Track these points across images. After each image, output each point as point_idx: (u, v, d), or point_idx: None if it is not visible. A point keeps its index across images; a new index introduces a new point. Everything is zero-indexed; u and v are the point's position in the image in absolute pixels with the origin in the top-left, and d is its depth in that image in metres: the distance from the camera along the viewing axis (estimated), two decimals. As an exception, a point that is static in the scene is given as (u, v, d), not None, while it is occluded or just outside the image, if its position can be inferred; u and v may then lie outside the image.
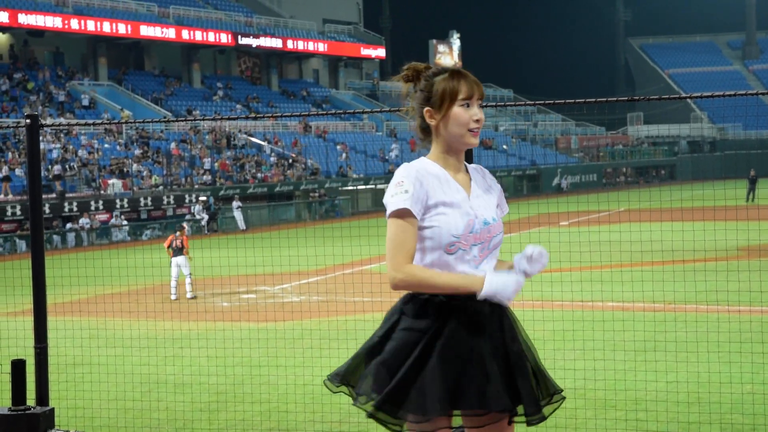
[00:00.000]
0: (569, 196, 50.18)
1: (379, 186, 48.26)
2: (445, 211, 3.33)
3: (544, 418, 3.37)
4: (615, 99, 5.90)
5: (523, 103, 6.16)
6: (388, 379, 3.30)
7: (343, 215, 42.47)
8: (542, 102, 5.91)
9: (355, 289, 15.51)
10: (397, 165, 50.28)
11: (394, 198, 3.32)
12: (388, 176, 49.06)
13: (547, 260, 3.41)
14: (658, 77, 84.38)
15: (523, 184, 57.78)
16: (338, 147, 50.67)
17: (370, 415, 3.39)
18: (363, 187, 47.35)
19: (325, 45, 63.14)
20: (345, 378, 3.53)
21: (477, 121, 3.46)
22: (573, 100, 6.13)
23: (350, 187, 46.42)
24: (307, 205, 42.35)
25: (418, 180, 3.33)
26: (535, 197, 51.13)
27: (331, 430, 7.05)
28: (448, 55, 75.64)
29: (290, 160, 45.57)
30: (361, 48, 66.40)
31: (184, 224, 17.94)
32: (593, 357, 8.89)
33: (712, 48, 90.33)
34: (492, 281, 3.28)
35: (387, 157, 51.81)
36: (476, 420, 3.36)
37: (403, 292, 3.41)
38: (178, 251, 16.51)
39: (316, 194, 43.49)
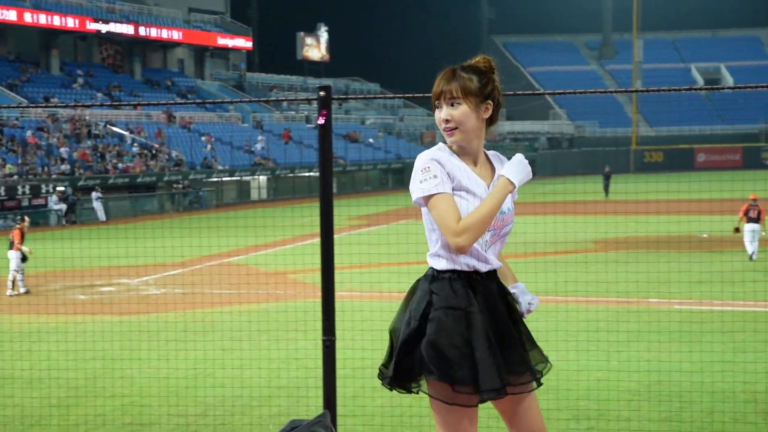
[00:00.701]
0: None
1: (244, 178, 47.81)
2: (466, 197, 3.55)
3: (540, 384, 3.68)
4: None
5: (389, 96, 6.21)
6: (441, 357, 3.47)
7: (207, 207, 41.89)
8: (408, 95, 5.96)
9: (218, 282, 15.34)
10: (263, 157, 50.09)
11: (423, 184, 3.55)
12: (253, 168, 48.67)
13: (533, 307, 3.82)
14: (520, 75, 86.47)
15: (388, 177, 58.27)
16: (203, 138, 49.93)
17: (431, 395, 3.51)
18: (228, 178, 46.82)
19: (190, 34, 62.08)
20: (400, 375, 3.60)
21: (445, 120, 3.60)
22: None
23: (215, 179, 45.82)
24: (170, 197, 41.58)
25: (440, 164, 3.54)
26: (400, 191, 51.66)
27: (193, 423, 6.95)
28: (315, 48, 75.51)
29: (153, 151, 44.63)
30: (228, 38, 65.58)
31: (26, 217, 17.01)
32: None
33: (570, 48, 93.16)
34: (510, 170, 3.59)
35: (253, 149, 51.37)
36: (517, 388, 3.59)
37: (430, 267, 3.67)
38: (11, 244, 15.61)
39: (180, 186, 42.74)
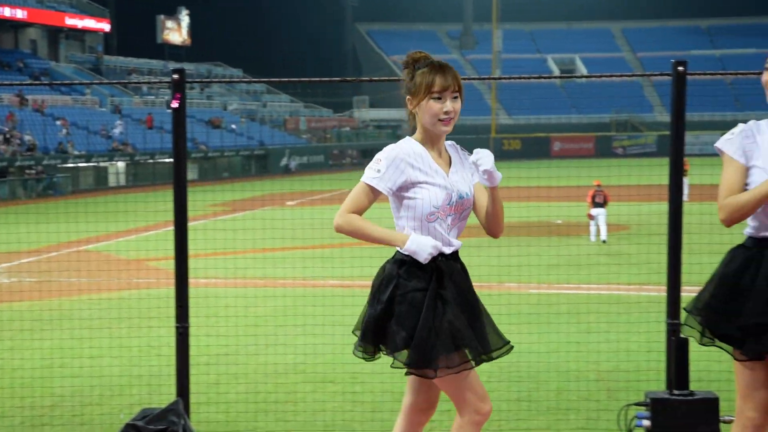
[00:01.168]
0: (297, 176, 50.82)
1: (101, 163, 46.50)
2: (427, 187, 3.90)
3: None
4: (340, 79, 6.02)
5: (250, 80, 6.16)
6: (409, 337, 3.84)
7: (62, 193, 40.54)
8: (270, 80, 5.92)
9: (74, 269, 14.88)
10: (121, 142, 48.77)
11: (368, 171, 3.93)
12: (111, 153, 47.37)
13: (487, 152, 3.95)
14: (383, 63, 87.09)
15: (251, 164, 57.77)
16: (58, 122, 48.25)
17: (406, 369, 3.94)
18: (84, 164, 45.42)
19: (41, 14, 59.83)
20: (368, 347, 4.06)
21: (446, 112, 3.96)
22: (299, 79, 6.18)
23: (71, 165, 44.37)
24: (22, 183, 40.05)
25: (395, 164, 3.89)
26: (263, 177, 51.31)
27: (46, 415, 6.73)
28: (176, 31, 74.01)
29: (4, 135, 42.87)
30: (82, 19, 63.53)
31: None
32: (314, 333, 9.06)
33: (433, 37, 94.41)
34: (414, 240, 3.87)
35: (110, 134, 49.98)
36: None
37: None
38: None
39: (33, 171, 41.22)
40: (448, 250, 3.95)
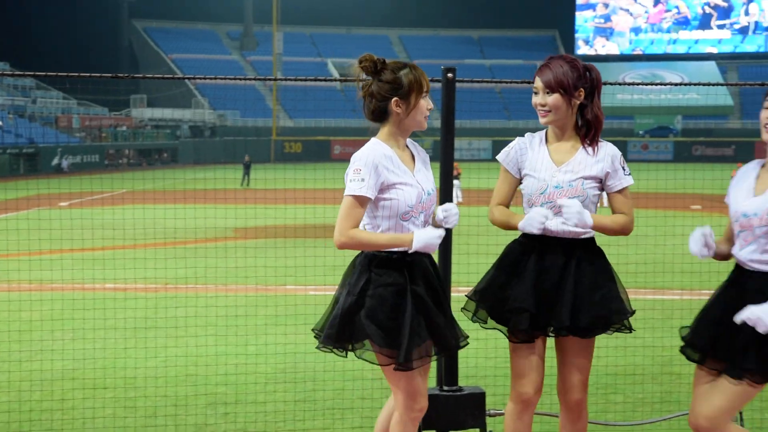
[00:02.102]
0: (70, 176, 48.79)
1: None
2: (402, 188, 4.07)
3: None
4: (113, 75, 5.84)
5: (12, 73, 5.85)
6: (380, 330, 4.02)
7: None
8: (36, 74, 5.65)
9: None
10: None
11: (351, 183, 4.05)
12: None
13: (456, 212, 4.28)
14: (162, 61, 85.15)
15: (19, 162, 54.90)
16: None
17: (360, 357, 4.22)
18: None
19: None
20: (339, 339, 4.17)
21: (429, 109, 4.21)
22: (67, 74, 5.95)
23: None
24: None
25: (374, 168, 4.04)
26: (33, 177, 48.88)
27: None
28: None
29: None
30: None
31: None
32: (85, 338, 8.76)
33: (213, 37, 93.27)
34: (419, 237, 4.00)
35: None
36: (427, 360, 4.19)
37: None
38: None
39: None
40: None
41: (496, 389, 7.03)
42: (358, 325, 4.08)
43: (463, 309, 4.60)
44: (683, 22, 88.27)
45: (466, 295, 4.63)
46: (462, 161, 46.42)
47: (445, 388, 5.21)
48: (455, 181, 30.70)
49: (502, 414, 5.48)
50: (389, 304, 4.03)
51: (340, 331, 4.14)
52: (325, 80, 5.73)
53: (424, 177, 4.23)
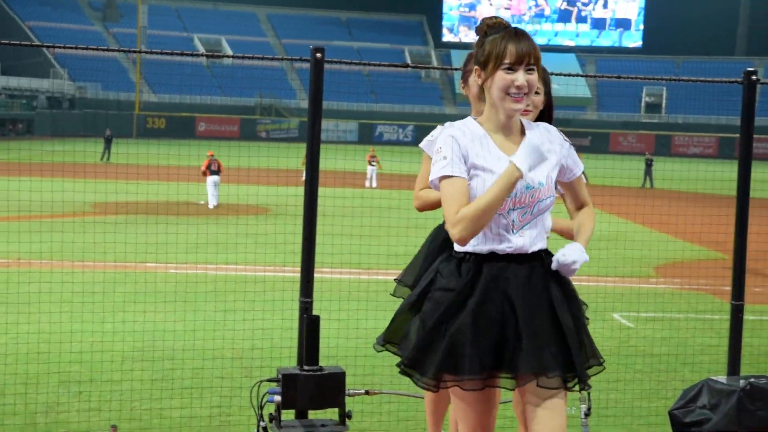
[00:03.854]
0: None
1: None
2: (481, 174, 3.33)
3: (583, 383, 3.37)
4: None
5: None
6: (424, 341, 3.36)
7: None
8: None
9: None
10: None
11: (435, 166, 3.35)
12: None
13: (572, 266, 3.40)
14: (18, 28, 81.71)
15: None
16: None
17: (403, 372, 3.42)
18: None
19: None
20: (387, 337, 3.57)
21: (519, 87, 3.30)
22: None
23: None
24: None
25: (454, 143, 3.33)
26: None
27: None
28: None
29: None
30: None
31: None
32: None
33: (74, 6, 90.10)
34: (519, 158, 3.26)
35: None
36: (509, 383, 3.35)
37: None
38: None
39: None
40: (507, 250, 3.35)
41: (356, 369, 7.10)
42: (406, 329, 3.49)
43: (394, 293, 4.61)
44: (542, 15, 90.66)
45: (395, 279, 4.64)
46: (328, 143, 46.41)
47: (306, 368, 5.23)
48: (370, 167, 30.75)
49: (362, 394, 5.55)
50: (439, 310, 3.36)
51: (390, 336, 3.59)
52: (191, 55, 5.64)
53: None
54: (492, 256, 3.36)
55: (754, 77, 5.65)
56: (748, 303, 6.29)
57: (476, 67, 3.38)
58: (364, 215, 9.36)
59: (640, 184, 34.55)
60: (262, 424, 5.13)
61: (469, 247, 3.37)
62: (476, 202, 3.26)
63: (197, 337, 8.23)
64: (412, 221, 8.72)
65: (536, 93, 3.82)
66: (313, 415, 5.30)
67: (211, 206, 21.73)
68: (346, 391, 5.36)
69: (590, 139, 66.99)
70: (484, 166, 3.34)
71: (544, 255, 3.43)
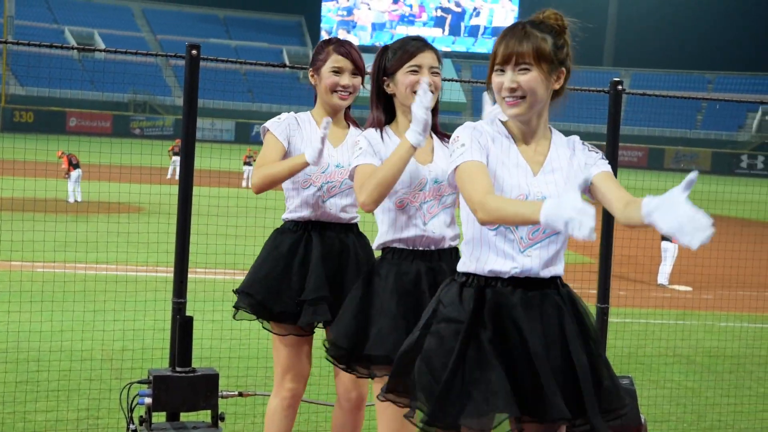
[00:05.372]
0: None
1: None
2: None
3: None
4: None
5: None
6: (434, 381, 2.83)
7: None
8: None
9: None
10: None
11: (453, 155, 2.96)
12: None
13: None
14: None
15: None
16: None
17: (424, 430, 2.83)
18: None
19: None
20: (391, 387, 3.03)
21: (509, 89, 2.93)
22: None
23: None
24: None
25: (477, 132, 2.99)
26: None
27: None
28: None
29: None
30: None
31: None
32: None
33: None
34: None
35: None
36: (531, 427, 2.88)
37: None
38: None
39: None
40: (513, 272, 2.94)
41: (230, 371, 7.04)
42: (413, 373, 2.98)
43: (237, 306, 4.54)
44: (419, 21, 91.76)
45: (234, 291, 4.56)
46: (204, 141, 45.87)
47: (178, 369, 5.15)
48: (248, 168, 30.37)
49: (235, 395, 5.51)
50: (448, 345, 2.90)
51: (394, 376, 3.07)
52: (62, 47, 5.49)
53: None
54: (495, 279, 2.91)
55: (620, 87, 5.86)
56: (613, 306, 6.53)
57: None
58: (239, 215, 9.30)
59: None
60: (132, 427, 5.03)
61: (471, 268, 2.96)
62: (504, 204, 2.75)
63: (65, 338, 8.01)
64: (288, 222, 8.71)
65: (435, 74, 3.76)
66: (185, 417, 5.23)
67: (72, 200, 22.02)
68: (219, 393, 5.31)
69: (465, 144, 68.10)
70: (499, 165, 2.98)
71: (560, 283, 2.98)
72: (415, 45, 3.70)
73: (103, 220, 17.97)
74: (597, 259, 5.79)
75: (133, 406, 4.99)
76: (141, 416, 5.02)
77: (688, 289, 15.16)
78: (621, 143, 6.20)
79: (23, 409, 6.13)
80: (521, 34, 2.91)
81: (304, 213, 4.37)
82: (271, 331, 4.44)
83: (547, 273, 2.92)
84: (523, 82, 2.87)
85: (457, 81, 6.52)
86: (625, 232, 10.63)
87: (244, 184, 30.09)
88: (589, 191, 2.98)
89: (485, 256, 2.93)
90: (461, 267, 3.00)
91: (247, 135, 67.41)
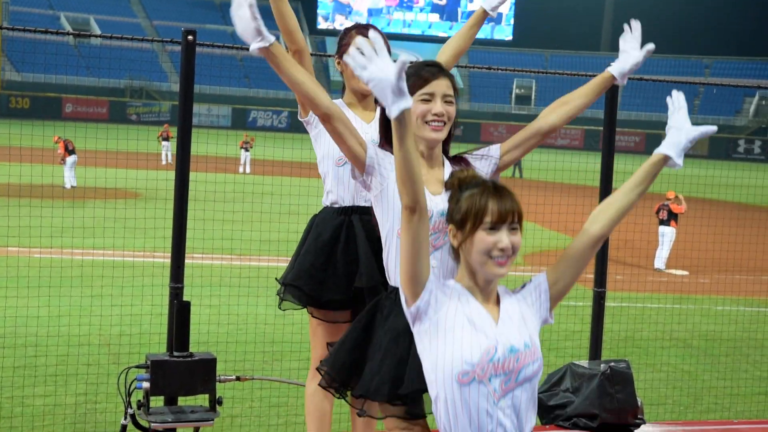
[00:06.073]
0: None
1: None
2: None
3: None
4: None
5: None
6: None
7: None
8: None
9: None
10: None
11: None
12: None
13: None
14: None
15: None
16: None
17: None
18: None
19: None
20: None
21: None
22: None
23: None
24: None
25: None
26: None
27: None
28: None
29: None
30: None
31: None
32: None
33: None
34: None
35: None
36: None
37: None
38: None
39: None
40: None
41: (227, 356, 7.06)
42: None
43: (281, 295, 4.49)
44: (416, 7, 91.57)
45: (278, 280, 4.48)
46: (200, 127, 45.81)
47: (176, 354, 5.16)
48: (245, 153, 30.38)
49: (233, 380, 5.51)
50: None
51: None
52: (58, 33, 5.48)
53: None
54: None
55: (617, 72, 5.84)
56: (609, 290, 6.55)
57: (450, 225, 2.86)
58: (236, 200, 9.30)
59: (510, 174, 35.32)
60: (129, 411, 5.03)
61: None
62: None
63: (63, 323, 8.02)
64: (285, 207, 8.70)
65: (449, 102, 3.45)
66: (183, 401, 5.24)
67: (68, 186, 22.05)
68: (217, 377, 5.31)
69: (462, 129, 68.18)
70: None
71: None
72: (429, 71, 3.46)
73: (99, 205, 17.95)
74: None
75: (131, 390, 5.00)
76: (139, 400, 5.02)
77: (685, 273, 15.19)
78: (618, 128, 6.19)
79: (21, 393, 6.14)
80: (509, 194, 2.84)
81: (344, 195, 4.28)
82: (322, 319, 4.35)
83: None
84: (514, 242, 2.79)
85: (455, 66, 6.50)
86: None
87: (240, 169, 30.07)
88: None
89: (466, 422, 2.75)
90: (439, 427, 2.82)
91: (244, 121, 67.30)
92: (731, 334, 9.91)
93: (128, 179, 12.03)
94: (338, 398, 3.68)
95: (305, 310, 4.43)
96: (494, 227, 2.76)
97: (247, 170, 29.91)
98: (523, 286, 2.97)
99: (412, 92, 3.31)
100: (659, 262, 15.67)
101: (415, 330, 2.79)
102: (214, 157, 18.49)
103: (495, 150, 3.59)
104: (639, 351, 8.96)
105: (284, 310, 4.45)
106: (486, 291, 2.85)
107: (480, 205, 2.77)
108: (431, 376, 2.78)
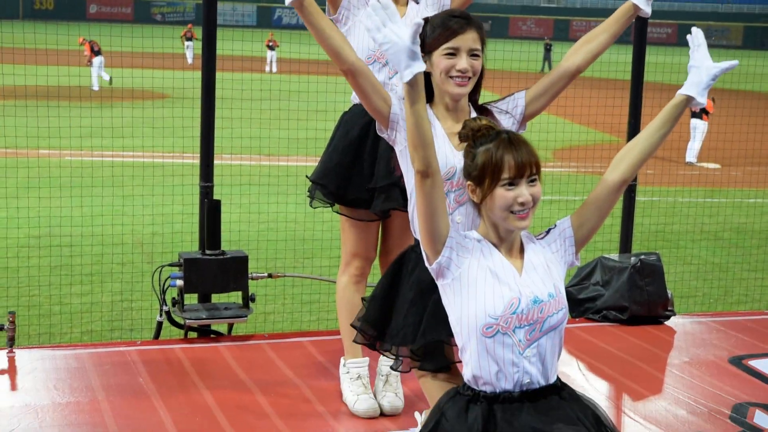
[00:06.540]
0: None
1: None
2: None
3: None
4: None
5: None
6: None
7: None
8: None
9: None
10: None
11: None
12: None
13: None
14: None
15: None
16: None
17: None
18: None
19: None
20: None
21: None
22: None
23: None
24: None
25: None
26: None
27: None
28: None
29: None
30: None
31: None
32: None
33: None
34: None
35: None
36: None
37: None
38: None
39: None
40: (521, 385, 2.85)
41: (259, 254, 7.13)
42: None
43: (311, 196, 4.43)
44: None
45: (308, 177, 4.41)
46: (225, 26, 45.36)
47: (208, 252, 5.22)
48: (271, 52, 30.17)
49: (265, 277, 5.58)
50: None
51: None
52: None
53: None
54: (506, 397, 2.77)
55: (651, -41, 5.68)
56: (640, 184, 6.51)
57: (468, 182, 2.82)
58: (263, 99, 9.25)
59: (539, 68, 34.84)
60: (165, 308, 5.13)
61: (479, 385, 2.79)
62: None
63: (96, 223, 8.11)
64: (313, 105, 8.66)
65: (475, 56, 3.27)
66: (216, 298, 5.32)
67: (96, 88, 22.01)
68: (249, 275, 5.39)
69: (491, 24, 67.16)
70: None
71: (560, 385, 2.86)
72: (457, 23, 3.25)
73: (127, 106, 17.97)
74: (624, 138, 5.74)
75: (165, 288, 5.08)
76: (173, 298, 5.11)
77: (717, 166, 15.05)
78: (650, 19, 6.05)
79: (59, 292, 6.27)
80: (525, 145, 2.81)
81: None
82: (349, 216, 4.35)
83: (550, 379, 2.81)
84: (534, 193, 2.78)
85: None
86: (654, 110, 10.50)
87: (267, 68, 29.87)
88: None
89: (490, 371, 2.76)
90: (466, 375, 2.82)
91: (269, 19, 66.53)
92: (763, 226, 9.87)
93: (154, 78, 11.97)
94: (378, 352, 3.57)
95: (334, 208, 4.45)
96: (512, 182, 2.74)
97: (274, 69, 29.71)
98: (548, 232, 2.96)
99: (437, 44, 3.23)
100: (691, 155, 15.52)
101: (439, 284, 2.82)
102: (240, 57, 18.35)
103: (520, 99, 3.45)
104: (669, 244, 8.95)
105: (315, 208, 4.47)
106: (509, 242, 2.85)
107: (496, 160, 2.73)
108: (456, 329, 2.81)
